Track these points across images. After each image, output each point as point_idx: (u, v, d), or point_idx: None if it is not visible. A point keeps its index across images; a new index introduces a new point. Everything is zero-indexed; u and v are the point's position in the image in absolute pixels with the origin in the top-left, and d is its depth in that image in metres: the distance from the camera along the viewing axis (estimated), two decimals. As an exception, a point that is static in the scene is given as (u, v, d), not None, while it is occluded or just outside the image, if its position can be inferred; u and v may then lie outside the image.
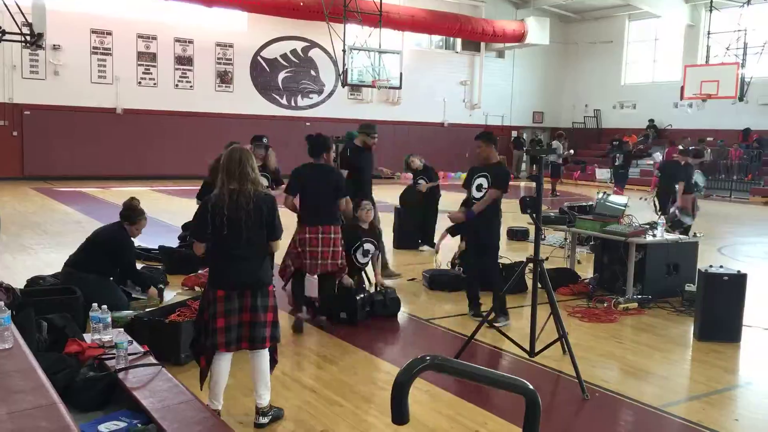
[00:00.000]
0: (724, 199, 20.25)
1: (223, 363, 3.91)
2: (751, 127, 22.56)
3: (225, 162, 3.86)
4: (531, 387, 1.64)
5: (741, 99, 20.55)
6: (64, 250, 8.56)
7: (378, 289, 6.54)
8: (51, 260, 8.11)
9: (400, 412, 1.61)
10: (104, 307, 4.19)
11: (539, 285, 4.98)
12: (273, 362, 4.08)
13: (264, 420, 3.92)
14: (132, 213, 6.13)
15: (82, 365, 3.78)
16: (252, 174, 3.83)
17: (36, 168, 19.26)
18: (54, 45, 19.05)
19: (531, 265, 4.99)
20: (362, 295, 6.13)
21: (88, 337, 4.26)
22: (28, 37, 14.86)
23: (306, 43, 23.52)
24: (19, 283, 5.98)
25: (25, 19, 14.78)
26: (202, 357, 3.97)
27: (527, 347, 4.94)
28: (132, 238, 6.25)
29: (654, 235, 7.00)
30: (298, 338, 5.63)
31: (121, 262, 6.12)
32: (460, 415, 4.14)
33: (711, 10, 21.56)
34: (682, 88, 21.17)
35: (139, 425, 3.11)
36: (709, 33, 21.80)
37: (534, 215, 5.03)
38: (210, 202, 3.83)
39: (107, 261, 6.00)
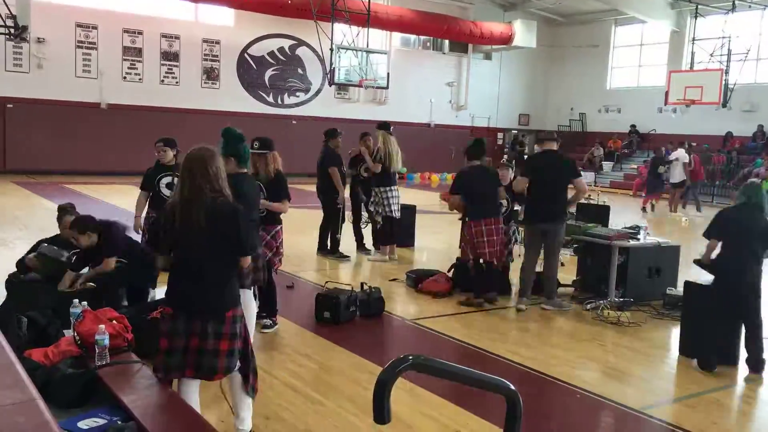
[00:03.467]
0: (706, 204, 20.42)
1: (187, 389, 3.50)
2: (733, 132, 22.80)
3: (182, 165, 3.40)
4: (513, 387, 1.64)
5: (724, 105, 20.75)
6: (45, 245, 8.46)
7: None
8: (32, 255, 7.99)
9: (381, 412, 1.61)
10: (84, 303, 4.14)
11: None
12: (253, 390, 3.66)
13: None
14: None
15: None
16: (214, 181, 3.29)
17: (18, 162, 19.05)
18: (38, 38, 18.84)
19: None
20: (346, 295, 6.12)
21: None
22: (12, 30, 14.71)
23: (293, 41, 23.46)
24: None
25: (9, 12, 14.61)
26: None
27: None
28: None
29: (637, 239, 7.06)
30: (282, 337, 5.61)
31: None
32: (442, 415, 4.15)
33: (696, 17, 21.78)
34: (667, 93, 21.36)
35: (119, 422, 3.08)
36: (693, 39, 22.01)
37: None
38: (163, 212, 3.44)
39: None
